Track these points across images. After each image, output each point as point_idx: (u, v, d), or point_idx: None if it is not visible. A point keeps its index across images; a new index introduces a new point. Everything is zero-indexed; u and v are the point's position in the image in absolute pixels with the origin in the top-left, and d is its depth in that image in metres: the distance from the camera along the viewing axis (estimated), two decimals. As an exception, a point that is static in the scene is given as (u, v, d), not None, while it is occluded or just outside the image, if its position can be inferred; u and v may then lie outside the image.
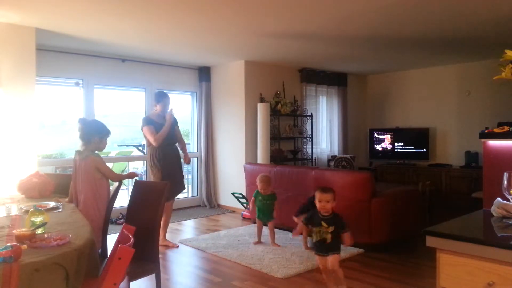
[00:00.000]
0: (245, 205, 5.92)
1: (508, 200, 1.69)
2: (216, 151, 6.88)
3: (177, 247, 4.45)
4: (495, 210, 1.72)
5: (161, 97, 4.40)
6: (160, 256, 4.14)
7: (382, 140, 7.73)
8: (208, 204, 6.76)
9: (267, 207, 4.43)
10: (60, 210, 2.57)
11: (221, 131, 6.79)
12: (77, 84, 5.73)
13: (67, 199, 2.93)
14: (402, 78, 7.68)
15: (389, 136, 7.62)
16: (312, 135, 7.13)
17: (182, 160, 4.67)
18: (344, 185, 4.30)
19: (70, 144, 6.42)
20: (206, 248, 4.37)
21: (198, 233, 5.22)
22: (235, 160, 6.49)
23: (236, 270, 3.75)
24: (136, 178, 3.15)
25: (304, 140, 7.14)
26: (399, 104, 7.75)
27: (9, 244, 1.58)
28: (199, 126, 6.88)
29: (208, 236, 4.92)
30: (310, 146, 7.12)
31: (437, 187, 6.51)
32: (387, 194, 4.33)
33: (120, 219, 5.63)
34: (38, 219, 1.98)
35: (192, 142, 7.07)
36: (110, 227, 3.22)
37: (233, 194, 6.08)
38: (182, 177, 4.58)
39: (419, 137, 7.23)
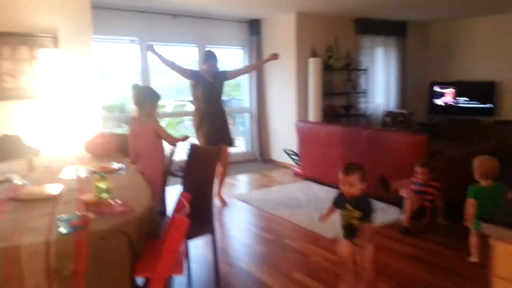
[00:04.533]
0: (296, 161, 5.95)
1: None
2: (267, 106, 6.86)
3: (227, 205, 4.56)
4: None
5: (208, 57, 4.32)
6: (216, 210, 4.38)
7: (443, 95, 7.30)
8: (261, 158, 6.87)
9: None
10: (124, 172, 2.72)
11: (273, 87, 6.71)
12: (132, 41, 5.87)
13: (130, 160, 3.08)
14: (468, 26, 7.05)
15: (451, 90, 7.17)
16: (366, 90, 6.87)
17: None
18: (398, 147, 4.16)
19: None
20: (258, 204, 4.50)
21: (251, 188, 5.37)
22: (286, 116, 6.45)
23: (288, 228, 3.85)
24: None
25: (358, 95, 6.91)
26: (463, 56, 7.18)
27: (78, 213, 1.71)
28: (250, 81, 6.84)
29: (260, 192, 5.04)
30: (364, 102, 6.89)
31: (505, 146, 6.11)
32: (445, 157, 4.15)
33: (178, 171, 5.78)
34: (104, 185, 2.10)
35: (244, 97, 7.09)
36: (171, 179, 3.36)
37: (284, 150, 6.11)
38: (228, 135, 4.52)
39: (484, 91, 6.74)
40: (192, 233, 2.63)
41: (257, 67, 4.71)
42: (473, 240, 2.96)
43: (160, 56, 4.25)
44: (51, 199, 2.09)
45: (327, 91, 6.41)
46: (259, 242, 3.55)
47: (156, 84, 5.73)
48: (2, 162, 3.11)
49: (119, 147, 3.39)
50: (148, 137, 2.84)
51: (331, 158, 4.93)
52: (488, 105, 6.72)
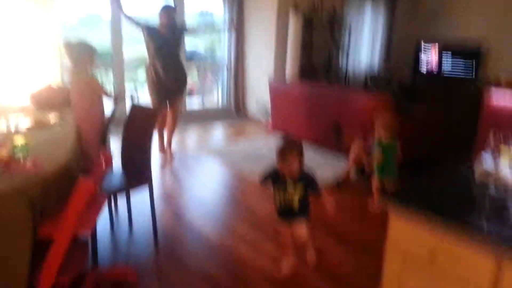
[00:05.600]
0: (269, 118, 5.87)
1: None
2: (245, 60, 6.68)
3: (172, 159, 4.52)
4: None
5: (165, 10, 4.24)
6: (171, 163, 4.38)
7: (429, 56, 7.08)
8: (236, 113, 6.78)
9: None
10: (58, 127, 2.66)
11: (251, 40, 6.50)
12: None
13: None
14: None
15: (436, 51, 6.95)
16: (348, 49, 6.65)
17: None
18: (364, 107, 4.09)
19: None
20: (221, 158, 4.52)
21: (218, 141, 5.37)
22: (263, 71, 6.29)
23: (244, 183, 3.84)
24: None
25: (340, 53, 6.70)
26: (454, 15, 6.89)
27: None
28: (229, 34, 6.60)
29: (226, 145, 5.05)
30: (345, 62, 6.70)
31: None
32: (414, 118, 4.10)
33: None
34: (20, 143, 2.04)
35: (222, 48, 6.87)
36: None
37: (257, 105, 6.02)
38: (182, 91, 4.51)
39: (471, 52, 6.53)
40: (130, 184, 2.67)
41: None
42: (374, 183, 3.41)
43: (120, 7, 4.23)
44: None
45: (307, 48, 6.20)
46: (211, 196, 3.58)
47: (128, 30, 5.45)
48: None
49: (67, 101, 3.29)
50: (84, 94, 2.75)
51: (301, 117, 4.87)
52: (472, 68, 6.54)
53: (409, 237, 1.39)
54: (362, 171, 3.70)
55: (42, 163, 1.91)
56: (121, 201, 2.97)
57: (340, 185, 3.67)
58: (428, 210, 1.32)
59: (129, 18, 4.23)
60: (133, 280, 2.29)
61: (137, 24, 4.21)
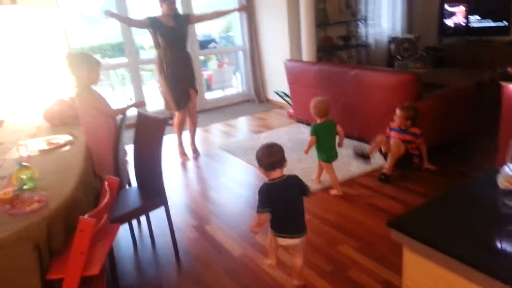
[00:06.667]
0: (289, 103, 5.69)
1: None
2: (260, 43, 6.45)
3: (188, 160, 4.44)
4: (501, 181, 1.35)
5: None
6: (192, 163, 4.32)
7: (454, 14, 6.60)
8: (257, 99, 6.62)
9: None
10: (68, 148, 2.62)
11: (264, 21, 6.24)
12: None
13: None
14: None
15: (462, 7, 6.46)
16: (367, 16, 6.29)
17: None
18: (384, 88, 3.85)
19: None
20: (242, 155, 4.37)
21: (240, 135, 5.23)
22: (280, 53, 6.05)
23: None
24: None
25: (359, 23, 6.35)
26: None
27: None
28: (241, 16, 6.37)
29: (248, 139, 4.90)
30: (365, 29, 6.34)
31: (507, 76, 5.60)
32: (434, 97, 3.81)
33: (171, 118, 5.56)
34: (25, 176, 2.01)
35: (237, 34, 6.68)
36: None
37: (276, 92, 5.83)
38: (194, 83, 4.31)
39: (499, 7, 6.03)
40: (144, 209, 2.61)
41: (222, 14, 4.43)
42: (318, 167, 3.49)
43: (117, 17, 4.06)
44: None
45: (322, 22, 5.90)
46: (233, 201, 3.47)
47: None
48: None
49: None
50: (86, 112, 2.66)
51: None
52: (502, 23, 6.04)
53: (427, 277, 1.19)
54: (406, 163, 3.51)
55: (48, 199, 1.86)
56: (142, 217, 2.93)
57: (386, 179, 3.47)
58: (447, 248, 1.10)
59: (128, 19, 4.12)
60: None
61: (140, 21, 4.04)
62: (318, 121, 3.28)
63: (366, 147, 3.64)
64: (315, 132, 3.25)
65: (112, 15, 3.84)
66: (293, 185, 2.08)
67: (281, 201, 2.04)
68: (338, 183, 3.37)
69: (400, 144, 3.41)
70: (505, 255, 1.05)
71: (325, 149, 3.29)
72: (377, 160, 3.74)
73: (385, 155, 3.58)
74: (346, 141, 3.55)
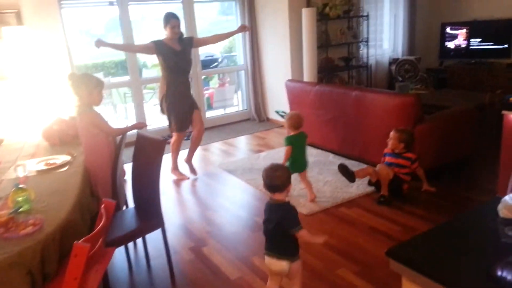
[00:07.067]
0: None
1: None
2: (262, 63, 6.50)
3: (187, 179, 4.41)
4: (502, 210, 1.34)
5: (169, 18, 3.98)
6: (189, 182, 4.29)
7: (455, 36, 6.66)
8: (258, 118, 6.64)
9: None
10: (66, 168, 2.61)
11: (266, 41, 6.31)
12: (111, 3, 5.55)
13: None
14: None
15: (464, 31, 6.52)
16: (368, 37, 6.35)
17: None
18: (385, 109, 3.85)
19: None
20: (241, 175, 4.36)
21: (240, 154, 5.21)
22: (281, 73, 6.10)
23: (263, 202, 3.70)
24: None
25: (359, 44, 6.41)
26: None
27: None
28: (243, 36, 6.44)
29: (247, 159, 4.89)
30: (366, 51, 6.40)
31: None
32: (435, 119, 3.81)
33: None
34: (21, 198, 2.00)
35: (238, 54, 6.74)
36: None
37: (276, 112, 5.84)
38: (196, 107, 4.33)
39: (500, 30, 6.08)
40: (141, 232, 2.58)
41: (224, 37, 4.49)
42: (302, 181, 3.61)
43: (113, 45, 4.08)
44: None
45: (323, 43, 5.96)
46: (231, 223, 3.43)
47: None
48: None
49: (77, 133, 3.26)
50: (87, 130, 2.67)
51: (321, 120, 4.67)
52: (503, 46, 6.08)
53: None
54: (396, 189, 3.49)
55: (43, 222, 1.84)
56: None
57: (385, 200, 3.45)
58: (447, 280, 1.08)
59: (130, 46, 4.14)
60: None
61: (145, 46, 4.06)
62: (292, 133, 3.49)
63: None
64: (290, 142, 3.46)
65: (104, 45, 3.83)
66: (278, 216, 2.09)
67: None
68: (311, 188, 3.60)
69: (386, 168, 3.41)
70: (506, 287, 1.03)
71: (298, 158, 3.48)
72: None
73: (374, 185, 3.56)
74: (341, 159, 3.56)
